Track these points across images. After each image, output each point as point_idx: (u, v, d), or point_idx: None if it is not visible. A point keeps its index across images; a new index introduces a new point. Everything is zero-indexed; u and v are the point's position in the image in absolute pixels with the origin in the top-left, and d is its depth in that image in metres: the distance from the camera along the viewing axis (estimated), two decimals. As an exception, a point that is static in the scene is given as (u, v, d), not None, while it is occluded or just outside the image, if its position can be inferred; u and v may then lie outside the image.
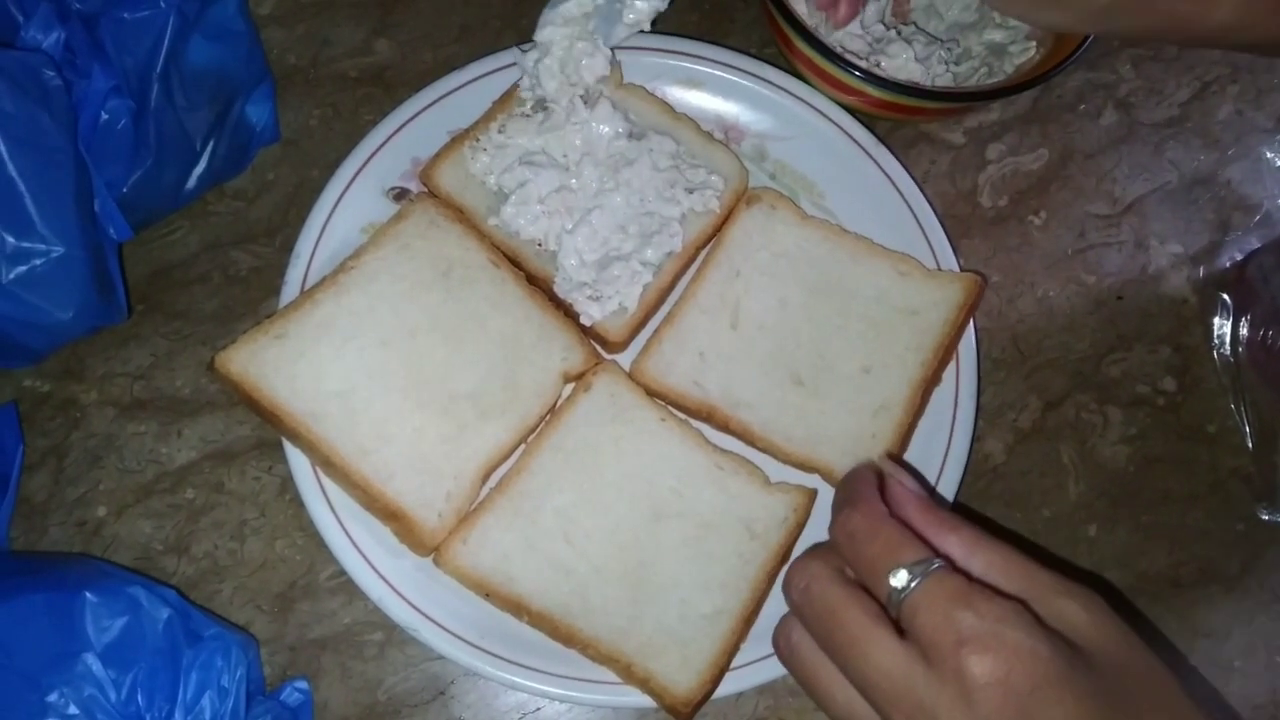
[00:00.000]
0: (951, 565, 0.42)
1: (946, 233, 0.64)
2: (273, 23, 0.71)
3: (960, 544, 0.43)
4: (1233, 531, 0.64)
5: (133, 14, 0.58)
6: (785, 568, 0.56)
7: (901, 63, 0.64)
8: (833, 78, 0.63)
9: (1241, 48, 0.56)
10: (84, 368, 0.62)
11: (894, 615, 0.41)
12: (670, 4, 0.63)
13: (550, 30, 0.63)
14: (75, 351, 0.62)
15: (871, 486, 0.47)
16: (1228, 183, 0.72)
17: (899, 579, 0.41)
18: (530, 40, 0.65)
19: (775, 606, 0.54)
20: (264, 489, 0.61)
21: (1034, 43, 0.66)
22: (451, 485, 0.57)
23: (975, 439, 0.64)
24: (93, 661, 0.49)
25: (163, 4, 0.58)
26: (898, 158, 0.66)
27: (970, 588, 0.40)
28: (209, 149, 0.63)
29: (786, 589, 0.46)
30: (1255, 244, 0.69)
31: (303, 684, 0.57)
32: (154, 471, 0.61)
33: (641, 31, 0.65)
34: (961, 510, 0.61)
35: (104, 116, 0.57)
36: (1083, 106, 0.73)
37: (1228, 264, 0.69)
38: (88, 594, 0.49)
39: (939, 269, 0.63)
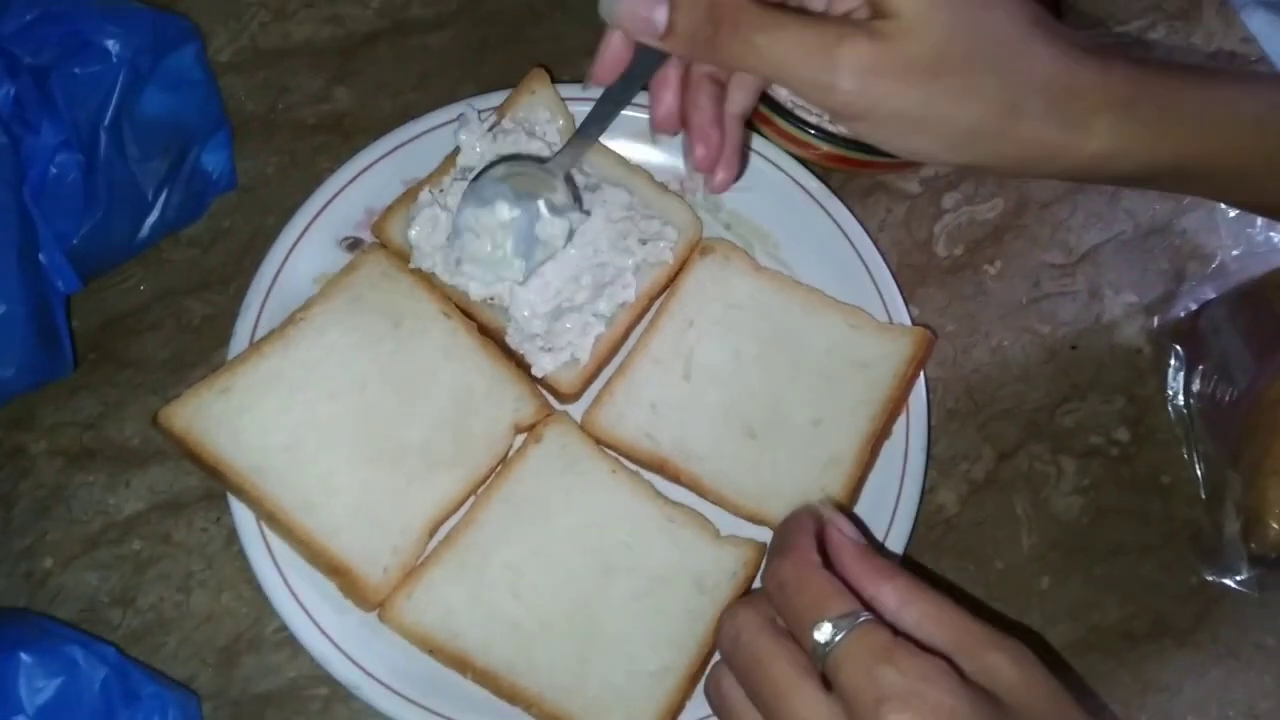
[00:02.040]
0: (880, 617, 0.42)
1: (899, 285, 0.64)
2: (231, 70, 0.71)
3: (894, 593, 0.43)
4: (1186, 584, 0.64)
5: (84, 69, 0.58)
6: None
7: (854, 116, 0.65)
8: (785, 132, 0.63)
9: (1122, 180, 0.53)
10: (33, 416, 0.62)
11: (820, 668, 0.41)
12: (585, 220, 0.61)
13: (471, 239, 0.60)
14: (25, 400, 0.62)
15: (806, 534, 0.47)
16: (1183, 232, 0.72)
17: (823, 633, 0.41)
18: (489, 90, 0.66)
19: (720, 664, 0.54)
20: (211, 540, 0.61)
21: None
22: (398, 539, 0.57)
23: (928, 490, 0.64)
24: (27, 724, 0.49)
25: (114, 59, 0.59)
26: (851, 209, 0.66)
27: (894, 643, 0.40)
28: (162, 198, 0.63)
29: (718, 637, 0.46)
30: (1210, 294, 0.69)
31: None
32: (101, 522, 0.61)
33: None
34: (909, 563, 0.61)
35: (53, 171, 0.57)
36: (1039, 156, 0.73)
37: (1182, 314, 0.69)
38: (22, 655, 0.49)
39: (890, 322, 0.63)
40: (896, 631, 0.42)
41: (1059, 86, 0.46)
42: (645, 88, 0.52)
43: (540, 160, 0.60)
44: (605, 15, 0.47)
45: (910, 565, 0.61)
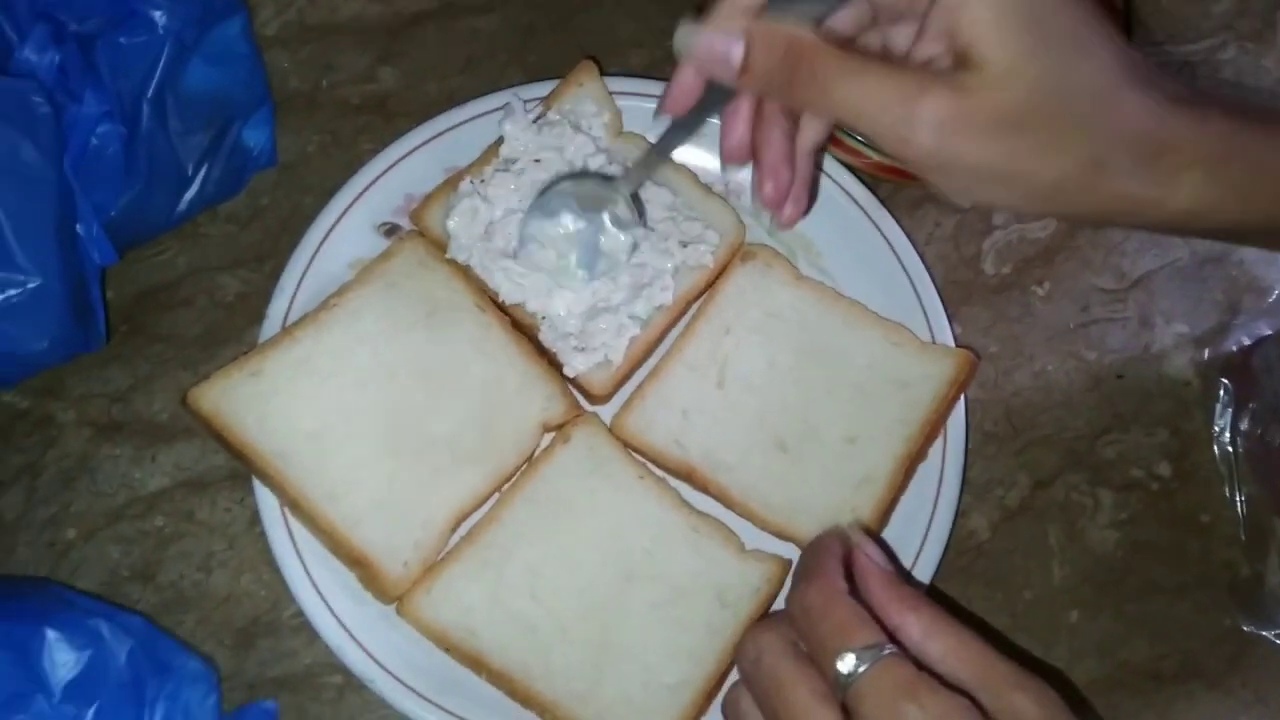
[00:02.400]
0: (904, 649, 0.41)
1: (944, 304, 0.63)
2: (277, 45, 0.70)
3: (919, 624, 0.42)
4: (1220, 626, 0.63)
5: (130, 39, 0.57)
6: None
7: (909, 126, 0.63)
8: (835, 137, 0.62)
9: (1210, 235, 0.51)
10: (63, 386, 0.62)
11: (841, 698, 0.40)
12: (648, 236, 0.61)
13: (536, 249, 0.60)
14: (55, 370, 0.62)
15: (834, 559, 0.46)
16: (1240, 263, 0.70)
17: (846, 664, 0.40)
18: (535, 79, 0.65)
19: (738, 682, 0.53)
20: (234, 521, 0.60)
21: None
22: (420, 533, 0.56)
23: (960, 514, 0.62)
24: (51, 699, 0.49)
25: (160, 30, 0.58)
26: (899, 222, 0.64)
27: (918, 678, 0.39)
28: (202, 173, 0.63)
29: (739, 657, 0.45)
30: (1264, 329, 0.67)
31: (270, 705, 0.57)
32: (126, 496, 0.61)
33: (647, 77, 0.64)
34: (935, 590, 0.59)
35: (94, 141, 0.56)
36: (1096, 176, 0.71)
37: (1234, 348, 0.67)
38: (48, 630, 0.49)
39: (933, 341, 0.62)
40: (920, 664, 0.41)
41: (1149, 141, 0.43)
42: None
43: (606, 178, 0.60)
44: (680, 48, 0.46)
45: (936, 591, 0.60)
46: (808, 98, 0.45)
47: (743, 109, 0.50)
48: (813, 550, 0.48)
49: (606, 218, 0.59)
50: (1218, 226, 0.47)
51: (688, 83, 0.49)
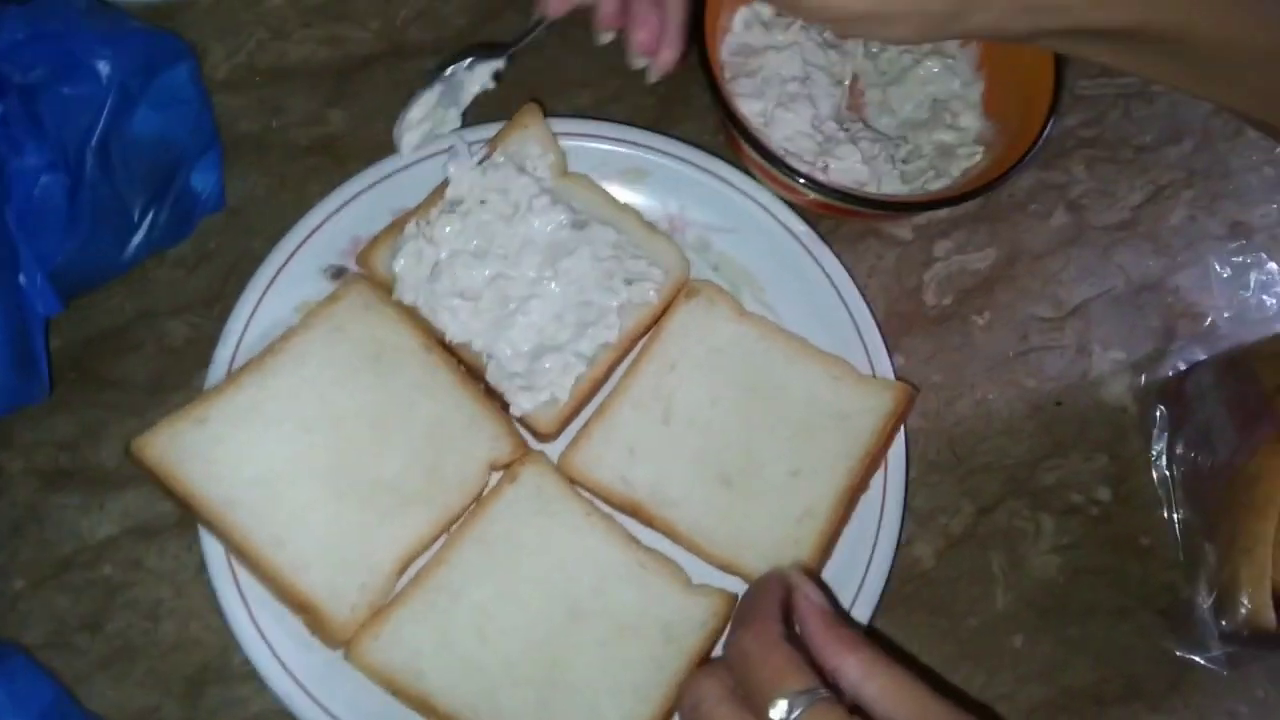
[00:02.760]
0: (842, 691, 0.42)
1: (883, 337, 0.64)
2: (226, 88, 0.70)
3: (858, 665, 0.43)
4: (1160, 648, 0.64)
5: (73, 89, 0.58)
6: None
7: (849, 165, 0.64)
8: (775, 177, 0.63)
9: (1098, 40, 0.51)
10: (11, 434, 0.62)
11: None
12: (507, 58, 0.65)
13: (410, 136, 0.64)
14: (2, 419, 0.62)
15: (772, 603, 0.47)
16: (1176, 289, 0.72)
17: (779, 710, 0.41)
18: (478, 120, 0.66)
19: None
20: (182, 568, 0.60)
21: (981, 147, 0.66)
22: (367, 577, 0.57)
23: (905, 543, 0.63)
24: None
25: (104, 80, 0.58)
26: (840, 255, 0.66)
27: None
28: (149, 218, 0.63)
29: (679, 705, 0.47)
30: (1200, 355, 0.68)
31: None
32: (74, 545, 0.61)
33: (592, 118, 0.65)
34: (873, 629, 0.60)
35: (37, 192, 0.57)
36: (1033, 206, 0.73)
37: (1171, 374, 0.68)
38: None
39: (873, 374, 0.63)
40: (858, 705, 0.42)
41: None
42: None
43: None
44: None
45: (876, 632, 0.61)
46: None
47: None
48: (752, 594, 0.49)
49: (452, 72, 0.63)
50: (1115, 26, 0.48)
51: None
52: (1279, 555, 0.53)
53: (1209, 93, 0.54)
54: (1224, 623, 0.55)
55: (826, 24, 0.48)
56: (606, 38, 0.60)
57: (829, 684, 0.44)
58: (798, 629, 0.49)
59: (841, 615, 0.56)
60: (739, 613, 0.49)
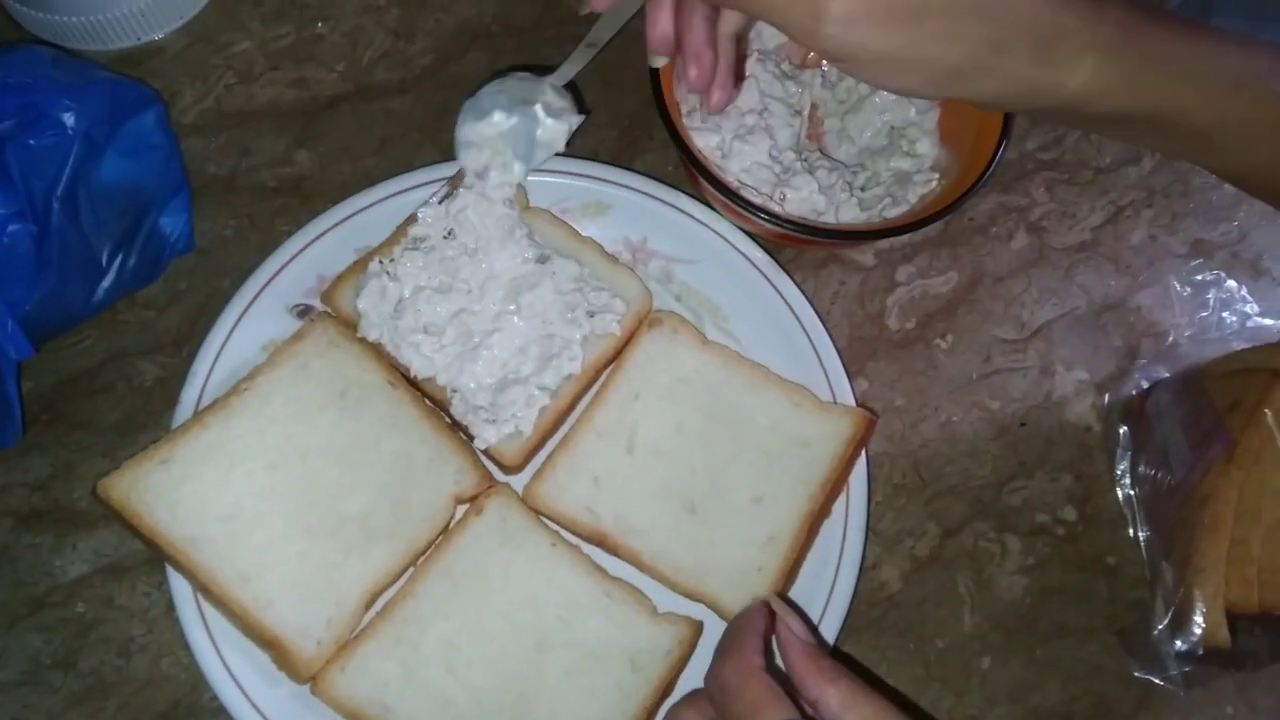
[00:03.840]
0: None
1: (844, 363, 0.65)
2: (194, 132, 0.72)
3: (838, 696, 0.44)
4: (1128, 668, 0.64)
5: (39, 140, 0.59)
6: (665, 705, 0.57)
7: (805, 195, 0.65)
8: (734, 209, 0.64)
9: (1099, 122, 0.53)
10: (-16, 477, 0.63)
11: None
12: (584, 121, 0.64)
13: (473, 153, 0.63)
14: (-25, 461, 0.63)
15: (752, 635, 0.48)
16: (1138, 309, 0.72)
17: None
18: (448, 158, 0.66)
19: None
20: (153, 605, 0.61)
21: (937, 174, 0.67)
22: (333, 612, 0.57)
23: (871, 566, 0.64)
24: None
25: (70, 130, 0.60)
26: (802, 283, 0.66)
27: None
28: (118, 262, 0.64)
29: None
30: (1162, 373, 0.69)
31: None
32: (47, 584, 0.61)
33: (557, 154, 0.67)
34: (838, 651, 0.61)
35: (4, 241, 0.58)
36: (994, 229, 0.74)
37: (1133, 392, 0.69)
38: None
39: (834, 400, 0.64)
40: None
41: (1046, 26, 0.46)
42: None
43: (536, 75, 0.62)
44: None
45: (845, 656, 0.61)
46: None
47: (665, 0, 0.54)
48: (734, 626, 0.50)
49: (539, 109, 0.60)
50: (1107, 112, 0.49)
51: None
52: (1232, 575, 0.54)
53: (1208, 164, 0.56)
54: (1179, 643, 0.56)
55: (839, 63, 0.48)
56: (659, 62, 0.59)
57: (808, 716, 0.44)
58: (779, 660, 0.49)
59: (824, 647, 0.57)
60: (721, 645, 0.50)
